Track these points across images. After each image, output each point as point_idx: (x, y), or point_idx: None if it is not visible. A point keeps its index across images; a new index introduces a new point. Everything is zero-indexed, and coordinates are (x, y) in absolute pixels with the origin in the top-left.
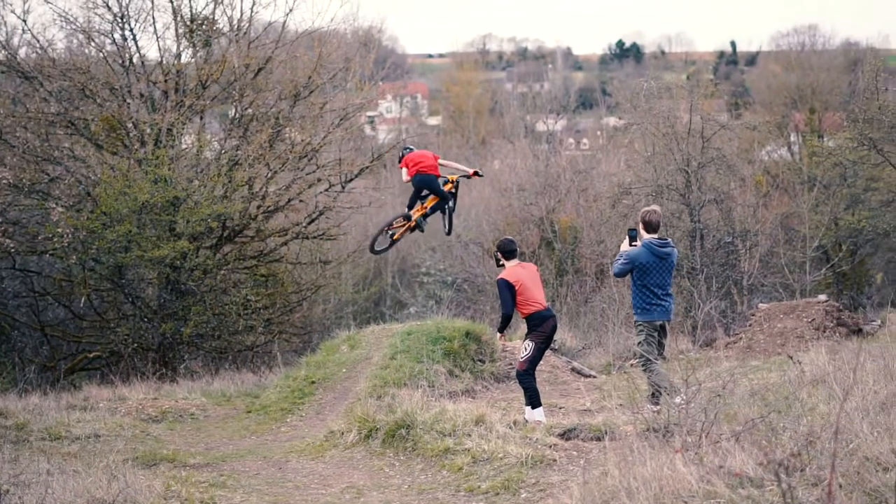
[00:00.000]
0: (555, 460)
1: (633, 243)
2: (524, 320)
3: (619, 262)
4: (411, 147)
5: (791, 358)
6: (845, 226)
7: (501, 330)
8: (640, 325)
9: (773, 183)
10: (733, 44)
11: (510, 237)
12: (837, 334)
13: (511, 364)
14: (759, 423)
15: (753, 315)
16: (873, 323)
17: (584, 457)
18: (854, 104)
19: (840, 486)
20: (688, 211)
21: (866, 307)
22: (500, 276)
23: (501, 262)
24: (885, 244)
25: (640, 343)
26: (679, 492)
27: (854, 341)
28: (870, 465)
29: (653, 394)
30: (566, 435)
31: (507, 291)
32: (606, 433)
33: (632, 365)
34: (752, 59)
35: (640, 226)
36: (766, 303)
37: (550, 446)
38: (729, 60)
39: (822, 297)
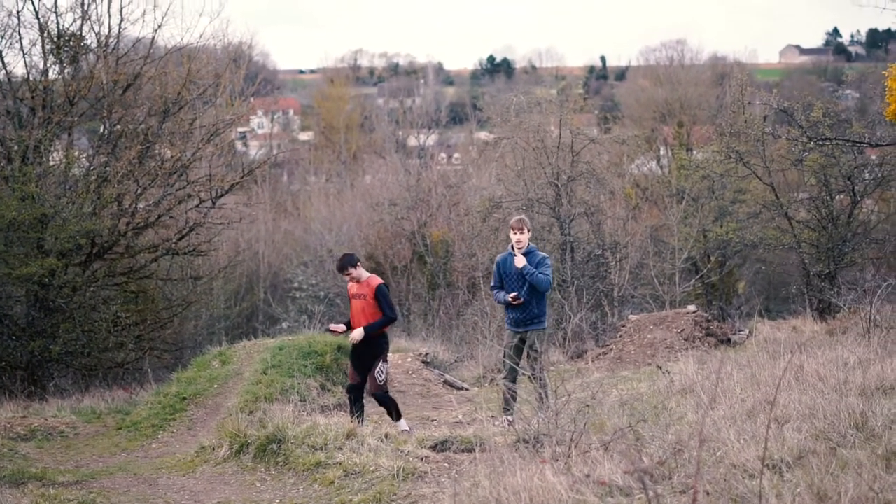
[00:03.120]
0: (426, 472)
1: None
2: (381, 337)
3: (548, 272)
4: None
5: (660, 368)
6: (714, 237)
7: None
8: (546, 330)
9: (643, 196)
10: (603, 59)
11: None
12: (706, 344)
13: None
14: (628, 432)
15: (624, 326)
16: (741, 333)
17: (456, 469)
18: (721, 118)
19: (707, 493)
20: (558, 224)
21: (735, 317)
22: (379, 282)
23: (352, 274)
24: (753, 255)
25: (544, 350)
26: (549, 501)
27: (722, 351)
28: (736, 472)
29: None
30: (438, 447)
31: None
32: (477, 445)
33: (503, 377)
34: (621, 73)
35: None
36: (636, 314)
37: (422, 459)
38: (599, 75)
39: (692, 307)
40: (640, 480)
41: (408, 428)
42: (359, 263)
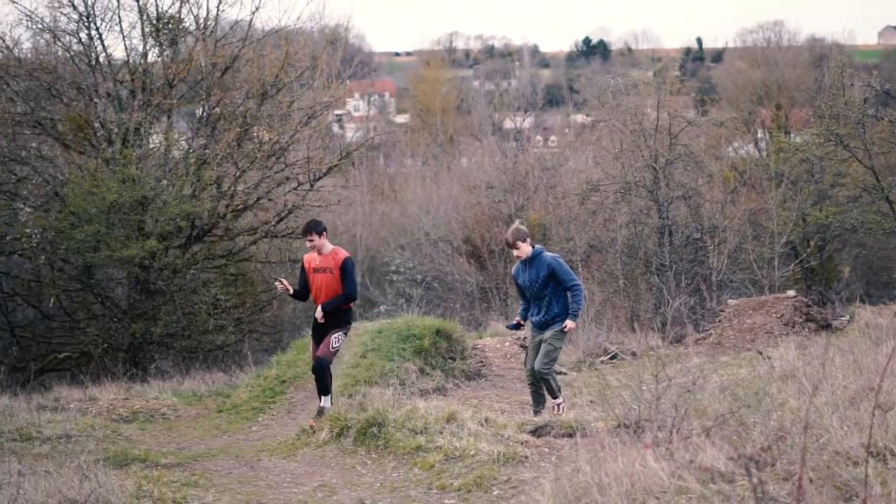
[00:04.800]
0: (526, 457)
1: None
2: (345, 311)
3: (570, 276)
4: None
5: (760, 353)
6: (813, 221)
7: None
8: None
9: (741, 179)
10: (699, 40)
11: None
12: (806, 329)
13: (482, 361)
14: (730, 418)
15: (723, 311)
16: (842, 318)
17: (556, 453)
18: (820, 100)
19: (810, 481)
20: (656, 207)
21: (835, 302)
22: (346, 255)
23: (315, 242)
24: (853, 239)
25: (560, 348)
26: (650, 487)
27: (823, 336)
28: (840, 459)
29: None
30: (537, 432)
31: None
32: (578, 430)
33: (602, 362)
34: (718, 55)
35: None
36: (735, 299)
37: (522, 443)
38: (695, 57)
39: (791, 292)
40: (745, 467)
41: (328, 406)
42: (325, 233)
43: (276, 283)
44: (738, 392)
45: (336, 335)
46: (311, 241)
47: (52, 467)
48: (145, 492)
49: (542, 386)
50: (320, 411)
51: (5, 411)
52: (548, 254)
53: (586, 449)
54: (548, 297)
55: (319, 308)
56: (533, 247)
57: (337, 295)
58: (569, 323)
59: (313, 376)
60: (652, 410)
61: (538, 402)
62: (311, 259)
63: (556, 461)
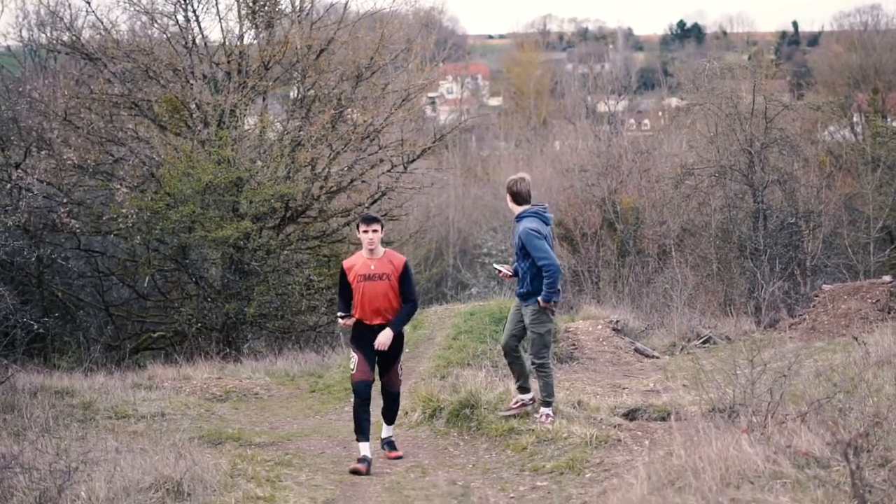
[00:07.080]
0: (619, 440)
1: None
2: None
3: (549, 252)
4: None
5: (856, 339)
6: None
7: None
8: (550, 309)
9: (837, 164)
10: (795, 24)
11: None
12: None
13: (574, 344)
14: (825, 403)
15: (817, 296)
16: None
17: (649, 437)
18: None
19: None
20: (751, 192)
21: None
22: (405, 259)
23: (378, 233)
24: None
25: (547, 332)
26: (745, 471)
27: None
28: None
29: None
30: (630, 415)
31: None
32: (671, 413)
33: (695, 346)
34: (814, 39)
35: (511, 197)
36: (829, 284)
37: (615, 426)
38: (791, 41)
39: (887, 278)
40: (843, 453)
41: (392, 436)
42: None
43: (341, 321)
44: (834, 377)
45: (399, 364)
46: (375, 231)
47: (148, 445)
48: (240, 470)
49: (520, 356)
50: (366, 463)
51: (101, 389)
52: (529, 222)
53: (680, 433)
54: (524, 268)
55: (388, 332)
56: (524, 209)
57: (395, 307)
58: (539, 301)
59: (354, 402)
60: (746, 395)
61: (520, 376)
62: (356, 265)
63: (649, 445)
